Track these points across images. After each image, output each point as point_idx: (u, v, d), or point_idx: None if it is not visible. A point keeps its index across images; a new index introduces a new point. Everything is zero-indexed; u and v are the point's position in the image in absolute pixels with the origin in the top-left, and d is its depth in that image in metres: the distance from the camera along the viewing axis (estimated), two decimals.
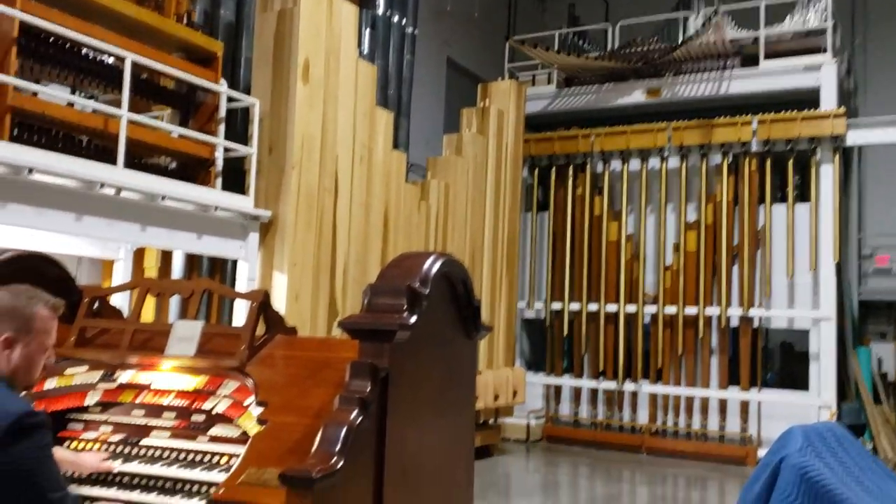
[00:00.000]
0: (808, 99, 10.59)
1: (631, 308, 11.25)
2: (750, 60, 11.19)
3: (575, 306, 11.67)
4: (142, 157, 6.40)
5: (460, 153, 9.90)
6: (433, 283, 2.62)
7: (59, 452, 2.62)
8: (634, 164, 11.59)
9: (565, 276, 11.74)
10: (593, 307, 11.52)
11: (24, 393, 2.74)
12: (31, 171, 5.26)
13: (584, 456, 10.47)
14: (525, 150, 11.53)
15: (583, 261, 11.67)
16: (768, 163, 10.70)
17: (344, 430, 2.15)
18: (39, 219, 5.47)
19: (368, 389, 2.29)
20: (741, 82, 11.19)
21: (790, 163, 10.58)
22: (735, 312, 10.62)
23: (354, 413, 2.21)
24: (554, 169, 12.09)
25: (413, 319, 2.45)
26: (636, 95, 11.88)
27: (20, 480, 2.06)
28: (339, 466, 2.06)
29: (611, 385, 11.32)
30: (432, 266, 2.65)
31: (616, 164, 11.77)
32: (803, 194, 10.72)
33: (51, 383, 2.83)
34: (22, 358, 2.29)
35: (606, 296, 11.41)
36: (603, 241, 11.51)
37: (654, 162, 11.44)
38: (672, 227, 11.24)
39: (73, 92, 6.10)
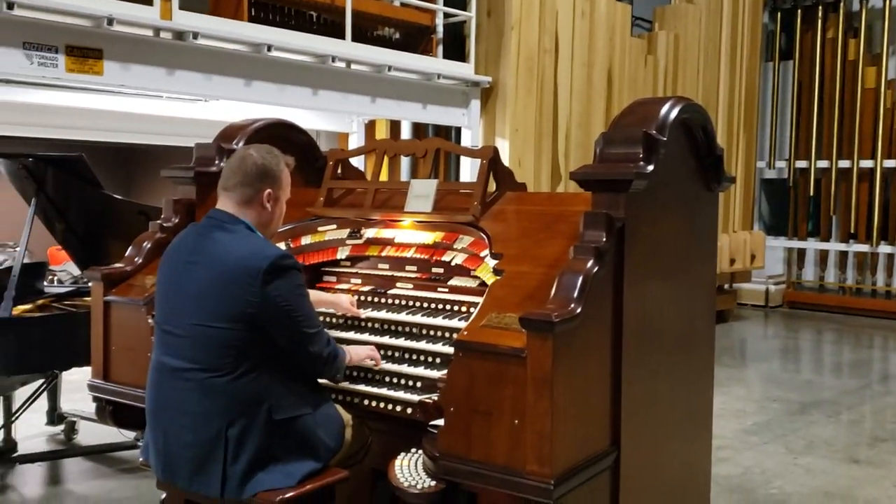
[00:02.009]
0: None
1: (890, 163, 10.14)
2: None
3: (823, 164, 10.72)
4: (367, 30, 6.58)
5: (691, 0, 9.15)
6: (671, 130, 2.48)
7: (318, 294, 2.89)
8: None
9: (812, 131, 10.75)
10: (845, 164, 10.51)
11: (283, 248, 3.03)
12: (269, 48, 5.60)
13: (830, 322, 9.87)
14: None
15: (833, 113, 10.59)
16: None
17: (581, 278, 2.15)
18: (281, 94, 5.87)
19: (604, 240, 2.25)
20: None
21: None
22: None
23: (590, 262, 2.19)
24: (799, 11, 10.88)
25: (650, 168, 2.35)
26: None
27: (279, 316, 2.31)
28: (577, 312, 2.07)
29: (863, 247, 10.44)
30: (670, 111, 2.50)
31: (875, 0, 10.34)
32: None
33: (306, 239, 3.09)
34: (277, 211, 2.54)
35: (861, 151, 10.34)
36: (858, 90, 10.33)
37: None
38: None
39: None
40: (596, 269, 2.20)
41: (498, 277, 2.46)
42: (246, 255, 2.32)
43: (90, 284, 3.08)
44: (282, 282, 2.30)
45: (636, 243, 2.40)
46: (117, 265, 3.06)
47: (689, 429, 2.89)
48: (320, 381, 2.56)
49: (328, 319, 2.91)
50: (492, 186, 2.94)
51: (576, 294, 2.12)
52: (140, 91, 5.85)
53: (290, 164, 2.60)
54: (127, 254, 3.10)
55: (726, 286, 9.86)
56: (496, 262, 2.53)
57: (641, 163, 2.35)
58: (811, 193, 10.90)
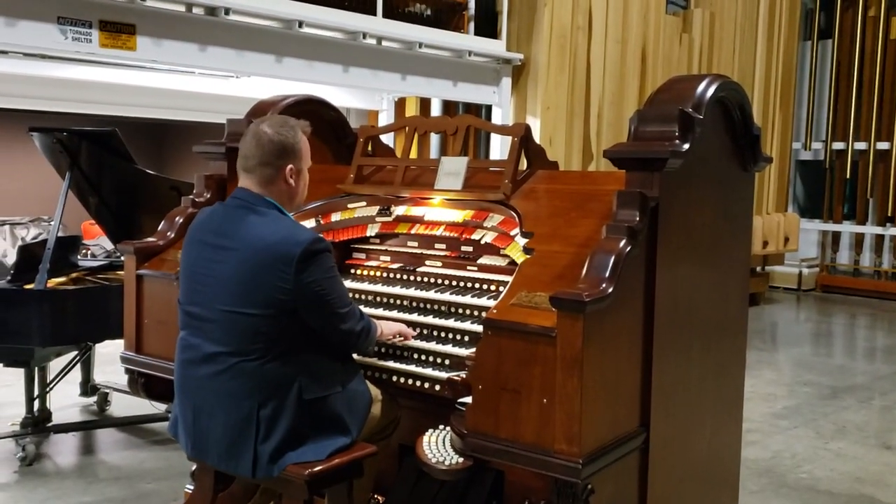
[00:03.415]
0: None
1: None
2: None
3: (861, 145, 10.51)
4: (398, 6, 6.55)
5: None
6: (707, 109, 2.43)
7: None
8: None
9: (850, 111, 10.53)
10: (883, 146, 10.30)
11: (313, 224, 3.04)
12: (300, 24, 5.60)
13: (864, 306, 9.72)
14: None
15: (873, 93, 10.36)
16: None
17: (613, 257, 2.12)
18: (311, 71, 5.87)
19: (637, 219, 2.22)
20: None
21: None
22: None
23: (623, 242, 2.17)
24: None
25: (685, 147, 2.31)
26: None
27: (313, 300, 2.31)
28: (609, 292, 2.05)
29: None
30: (707, 89, 2.45)
31: None
32: None
33: (336, 216, 3.09)
34: (301, 183, 2.51)
35: None
36: None
37: None
38: None
39: None
40: (628, 248, 2.17)
41: (528, 256, 2.44)
42: (278, 240, 2.28)
43: (123, 258, 3.11)
44: (315, 267, 2.29)
45: (670, 223, 2.36)
46: (150, 239, 3.09)
47: (720, 412, 2.86)
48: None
49: (358, 296, 2.91)
50: (523, 164, 2.91)
51: (607, 274, 2.10)
52: (172, 67, 5.89)
53: (306, 131, 2.52)
54: (159, 228, 3.13)
55: (759, 269, 9.75)
56: (526, 240, 2.51)
57: (677, 141, 2.31)
58: (847, 176, 10.70)
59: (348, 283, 2.85)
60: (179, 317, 2.47)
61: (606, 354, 2.13)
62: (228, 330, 2.30)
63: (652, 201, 2.28)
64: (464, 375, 2.37)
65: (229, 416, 2.30)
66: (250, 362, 2.28)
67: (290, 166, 2.45)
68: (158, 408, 4.39)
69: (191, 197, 3.18)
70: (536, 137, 7.09)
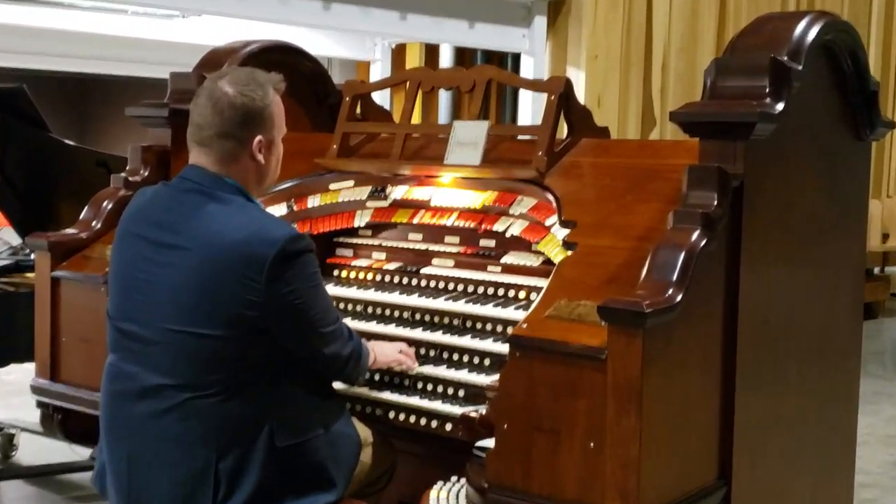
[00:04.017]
0: None
1: None
2: None
3: None
4: None
5: None
6: (808, 57, 2.45)
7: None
8: None
9: None
10: None
11: (284, 212, 3.05)
12: None
13: None
14: None
15: None
16: None
17: (682, 254, 2.13)
18: (283, 9, 5.90)
19: (715, 203, 2.23)
20: None
21: None
22: None
23: (696, 233, 2.18)
24: None
25: (779, 107, 2.32)
26: None
27: (290, 316, 2.31)
28: (677, 300, 2.06)
29: None
30: (807, 31, 2.46)
31: None
32: None
33: (313, 201, 3.11)
34: (272, 159, 2.49)
35: None
36: None
37: None
38: None
39: None
40: (703, 242, 2.19)
41: (569, 253, 2.46)
42: (246, 237, 2.27)
43: (33, 256, 3.14)
44: (293, 273, 2.29)
45: (758, 209, 2.38)
46: (69, 231, 3.13)
47: (824, 460, 2.88)
48: (335, 385, 2.58)
49: (343, 306, 2.94)
50: (562, 131, 2.92)
51: (675, 276, 2.11)
52: (98, 4, 5.92)
53: (279, 89, 2.51)
54: (81, 216, 3.17)
55: (877, 270, 9.75)
56: (567, 232, 2.54)
57: (768, 100, 2.33)
58: None
59: (330, 289, 2.86)
60: (109, 335, 2.48)
61: (674, 383, 2.14)
62: (176, 356, 2.31)
63: (734, 180, 2.30)
64: (484, 411, 2.40)
65: (177, 470, 2.31)
66: (206, 399, 2.29)
67: (258, 138, 2.43)
68: (81, 454, 4.42)
69: (123, 175, 3.21)
70: (580, 96, 7.13)
